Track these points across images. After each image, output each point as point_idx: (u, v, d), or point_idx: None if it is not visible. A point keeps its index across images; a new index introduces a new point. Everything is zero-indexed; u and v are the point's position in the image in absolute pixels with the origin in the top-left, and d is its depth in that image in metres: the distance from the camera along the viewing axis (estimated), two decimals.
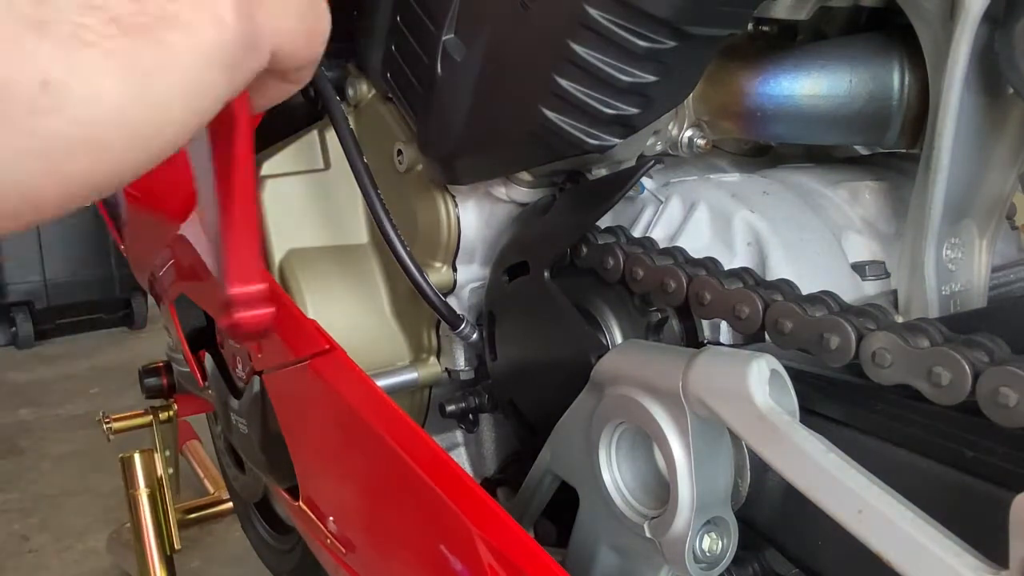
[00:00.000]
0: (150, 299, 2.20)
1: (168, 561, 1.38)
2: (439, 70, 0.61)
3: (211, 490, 1.77)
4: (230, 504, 1.58)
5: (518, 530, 0.50)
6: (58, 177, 0.25)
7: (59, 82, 0.24)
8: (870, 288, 0.60)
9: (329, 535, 0.75)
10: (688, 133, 0.67)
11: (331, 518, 0.74)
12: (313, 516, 0.76)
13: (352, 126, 0.76)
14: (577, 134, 0.52)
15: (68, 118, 0.25)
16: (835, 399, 0.46)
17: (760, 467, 0.47)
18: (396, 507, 0.64)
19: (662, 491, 0.48)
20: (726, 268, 0.53)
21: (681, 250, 0.55)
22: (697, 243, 0.59)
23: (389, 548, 0.67)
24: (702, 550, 0.46)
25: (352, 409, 0.62)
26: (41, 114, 0.24)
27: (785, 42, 0.67)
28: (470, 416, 0.74)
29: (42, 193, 0.25)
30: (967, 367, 0.39)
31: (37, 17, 0.24)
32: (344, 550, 0.73)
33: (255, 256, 0.35)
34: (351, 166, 0.67)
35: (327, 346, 0.64)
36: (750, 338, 0.53)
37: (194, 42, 0.27)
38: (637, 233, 0.62)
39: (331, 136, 0.76)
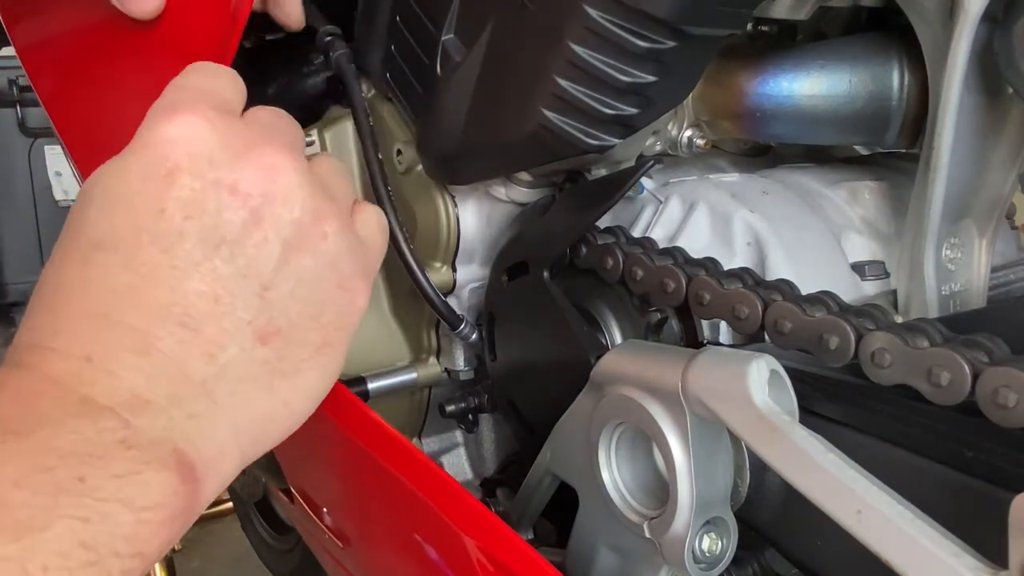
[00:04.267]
0: None
1: (168, 561, 1.38)
2: (439, 70, 0.61)
3: None
4: (230, 504, 1.58)
5: (503, 527, 0.50)
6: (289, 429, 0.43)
7: (291, 400, 0.41)
8: (870, 288, 0.60)
9: (326, 530, 0.75)
10: (687, 133, 0.67)
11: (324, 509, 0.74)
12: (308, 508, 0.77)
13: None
14: (577, 134, 0.52)
15: (296, 413, 0.42)
16: (835, 399, 0.46)
17: (760, 467, 0.47)
18: (380, 511, 0.64)
19: (661, 491, 0.48)
20: (726, 268, 0.53)
21: (680, 250, 0.55)
22: (696, 243, 0.59)
23: (380, 550, 0.68)
24: (701, 550, 0.46)
25: (326, 417, 0.62)
26: (280, 420, 0.41)
27: (785, 42, 0.67)
28: (470, 416, 0.74)
29: (287, 432, 0.43)
30: (966, 367, 0.39)
31: (277, 368, 0.40)
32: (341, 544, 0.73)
33: None
34: (367, 162, 0.67)
35: None
36: (750, 338, 0.53)
37: (342, 347, 0.44)
38: (637, 233, 0.62)
39: (330, 136, 0.76)
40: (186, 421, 0.36)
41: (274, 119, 0.45)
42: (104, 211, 0.38)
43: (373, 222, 0.47)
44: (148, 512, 0.33)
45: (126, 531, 0.32)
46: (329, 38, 0.69)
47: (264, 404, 0.40)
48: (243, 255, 0.38)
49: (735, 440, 0.46)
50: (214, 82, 0.43)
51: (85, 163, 0.85)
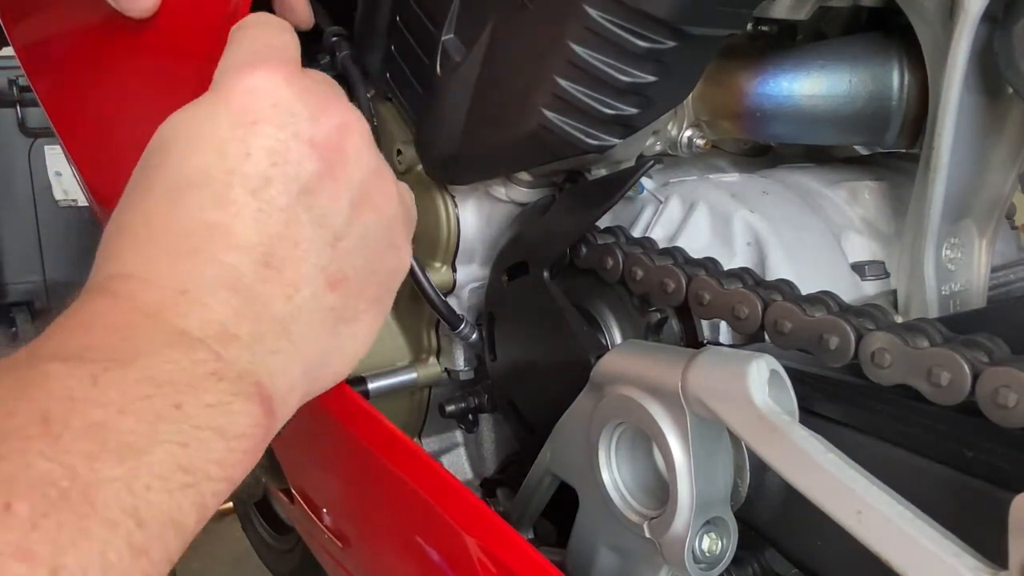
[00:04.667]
0: None
1: None
2: (439, 70, 0.61)
3: None
4: (230, 504, 1.58)
5: (505, 526, 0.50)
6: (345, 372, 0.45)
7: (347, 346, 0.43)
8: (870, 288, 0.60)
9: (326, 530, 0.75)
10: (687, 133, 0.67)
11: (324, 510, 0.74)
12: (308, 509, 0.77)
13: None
14: (577, 134, 0.52)
15: (350, 358, 0.44)
16: (835, 399, 0.46)
17: (760, 467, 0.47)
18: (381, 510, 0.64)
19: (661, 491, 0.48)
20: (725, 268, 0.53)
21: (680, 250, 0.55)
22: (696, 243, 0.59)
23: (380, 549, 0.68)
24: (701, 550, 0.46)
25: (329, 414, 0.62)
26: (337, 363, 0.43)
27: (785, 42, 0.67)
28: (470, 416, 0.74)
29: (341, 376, 0.45)
30: (966, 367, 0.39)
31: (341, 314, 0.42)
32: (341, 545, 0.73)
33: None
34: None
35: None
36: (750, 338, 0.53)
37: (389, 303, 0.47)
38: (637, 233, 0.62)
39: None
40: (268, 356, 0.37)
41: (326, 80, 0.47)
42: (191, 152, 0.39)
43: (407, 192, 0.49)
44: (236, 441, 0.35)
45: (218, 456, 0.34)
46: (335, 38, 0.69)
47: (328, 346, 0.42)
48: (319, 206, 0.40)
49: (735, 440, 0.47)
50: (281, 37, 0.46)
51: (84, 162, 0.85)
